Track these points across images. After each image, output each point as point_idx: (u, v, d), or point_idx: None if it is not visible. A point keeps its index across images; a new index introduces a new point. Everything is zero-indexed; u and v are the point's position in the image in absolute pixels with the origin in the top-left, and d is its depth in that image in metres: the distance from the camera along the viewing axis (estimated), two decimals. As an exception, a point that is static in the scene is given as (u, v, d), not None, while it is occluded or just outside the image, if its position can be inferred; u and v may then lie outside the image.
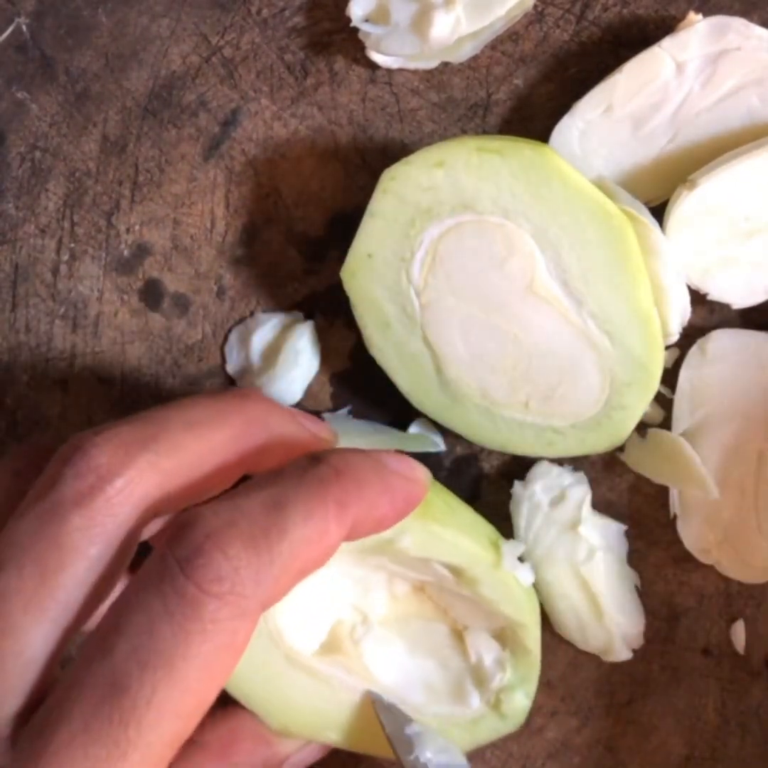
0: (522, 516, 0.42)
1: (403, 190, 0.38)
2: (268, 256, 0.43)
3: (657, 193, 0.40)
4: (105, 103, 0.43)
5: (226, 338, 0.44)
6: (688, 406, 0.41)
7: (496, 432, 0.40)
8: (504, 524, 0.43)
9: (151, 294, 0.44)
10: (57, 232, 0.43)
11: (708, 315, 0.42)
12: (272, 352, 0.43)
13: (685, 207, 0.39)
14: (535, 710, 0.45)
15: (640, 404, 0.39)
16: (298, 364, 0.42)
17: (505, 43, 0.42)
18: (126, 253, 0.43)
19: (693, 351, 0.41)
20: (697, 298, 0.41)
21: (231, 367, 0.43)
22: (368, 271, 0.39)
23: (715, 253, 0.40)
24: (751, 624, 0.44)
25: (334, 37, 0.42)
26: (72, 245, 0.43)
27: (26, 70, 0.43)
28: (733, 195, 0.38)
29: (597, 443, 0.40)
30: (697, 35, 0.38)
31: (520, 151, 0.37)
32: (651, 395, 0.39)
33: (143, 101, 0.43)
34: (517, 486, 0.42)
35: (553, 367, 0.39)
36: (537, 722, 0.45)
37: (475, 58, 0.42)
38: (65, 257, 0.43)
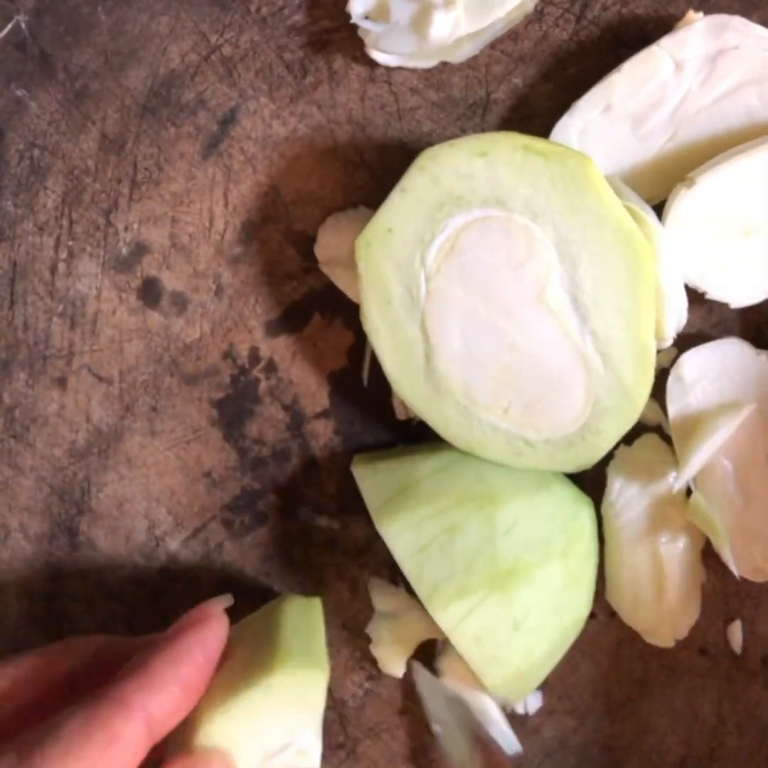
0: (618, 479, 0.42)
1: (440, 172, 0.38)
2: (267, 254, 0.43)
3: (656, 191, 0.40)
4: (104, 101, 0.43)
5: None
6: (684, 433, 0.41)
7: (469, 432, 0.41)
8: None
9: (150, 292, 0.44)
10: (55, 230, 0.43)
11: (706, 315, 0.42)
12: None
13: (683, 205, 0.38)
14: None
15: (615, 432, 0.39)
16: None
17: (505, 42, 0.42)
18: (124, 251, 0.43)
19: (671, 383, 0.41)
20: (696, 297, 0.41)
21: (319, 252, 0.43)
22: (384, 245, 0.39)
23: (714, 251, 0.39)
24: (749, 624, 0.44)
25: (333, 36, 0.42)
26: (70, 243, 0.43)
27: (25, 67, 0.43)
28: (731, 193, 0.38)
29: (566, 462, 0.40)
30: (696, 34, 0.38)
31: (565, 157, 0.37)
32: (628, 426, 0.39)
33: (142, 99, 0.43)
34: (623, 449, 0.42)
35: (542, 378, 0.39)
36: (534, 721, 0.45)
37: (474, 57, 0.42)
38: (63, 255, 0.43)
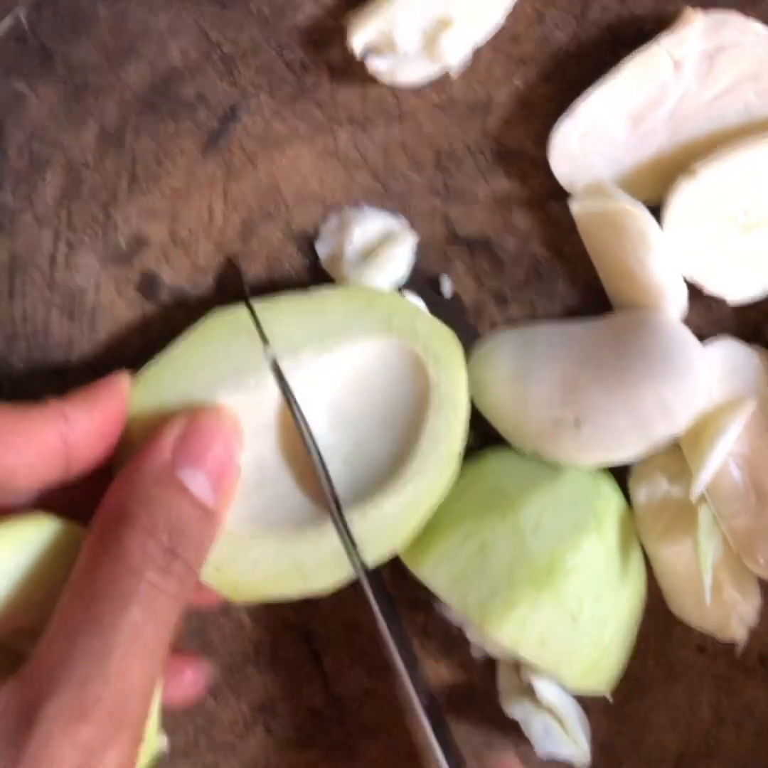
0: (641, 493, 0.42)
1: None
2: (267, 252, 0.43)
3: (657, 191, 0.41)
4: (103, 96, 0.43)
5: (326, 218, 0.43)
6: (692, 439, 0.41)
7: None
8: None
9: (149, 286, 0.43)
10: (54, 223, 0.43)
11: (704, 312, 0.43)
12: (369, 250, 0.42)
13: (684, 197, 0.39)
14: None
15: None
16: (387, 271, 0.42)
17: (505, 44, 0.42)
18: (123, 244, 0.43)
19: None
20: (694, 295, 0.41)
21: (321, 248, 0.43)
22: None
23: (713, 246, 0.40)
24: (746, 621, 0.44)
25: (334, 35, 0.42)
26: (69, 236, 0.43)
27: (25, 61, 0.42)
28: (732, 188, 0.39)
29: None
30: (695, 31, 0.39)
31: None
32: None
33: (142, 94, 0.43)
34: (637, 463, 0.42)
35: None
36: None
37: (475, 59, 0.42)
38: (62, 248, 0.43)
